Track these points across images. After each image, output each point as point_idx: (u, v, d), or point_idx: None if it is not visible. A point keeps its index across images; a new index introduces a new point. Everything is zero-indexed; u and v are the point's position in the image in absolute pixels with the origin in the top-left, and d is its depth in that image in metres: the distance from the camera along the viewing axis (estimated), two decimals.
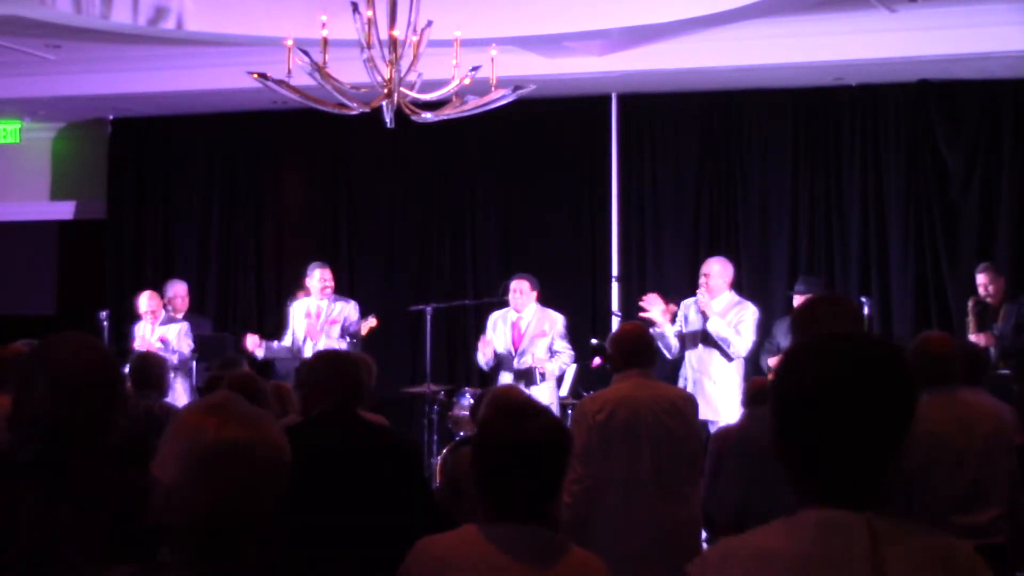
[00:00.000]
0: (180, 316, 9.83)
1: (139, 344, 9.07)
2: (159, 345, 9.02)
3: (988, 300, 8.81)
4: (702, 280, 8.30)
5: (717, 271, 8.29)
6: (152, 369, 6.17)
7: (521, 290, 8.61)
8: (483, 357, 8.66)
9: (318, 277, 9.21)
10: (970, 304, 8.94)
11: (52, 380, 2.53)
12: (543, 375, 8.47)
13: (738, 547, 1.87)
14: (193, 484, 1.91)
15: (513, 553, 2.63)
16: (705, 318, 8.12)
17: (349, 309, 9.24)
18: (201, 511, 1.91)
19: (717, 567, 1.86)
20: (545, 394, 8.36)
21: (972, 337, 8.54)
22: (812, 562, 1.79)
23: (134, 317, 9.59)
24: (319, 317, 9.12)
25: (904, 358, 1.89)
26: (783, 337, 8.72)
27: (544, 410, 2.89)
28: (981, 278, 8.84)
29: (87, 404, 2.54)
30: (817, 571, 1.78)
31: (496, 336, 8.65)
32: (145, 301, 9.42)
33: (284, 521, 3.98)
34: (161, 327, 9.33)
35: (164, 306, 9.64)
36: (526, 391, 7.83)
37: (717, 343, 8.04)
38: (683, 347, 8.24)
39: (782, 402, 1.88)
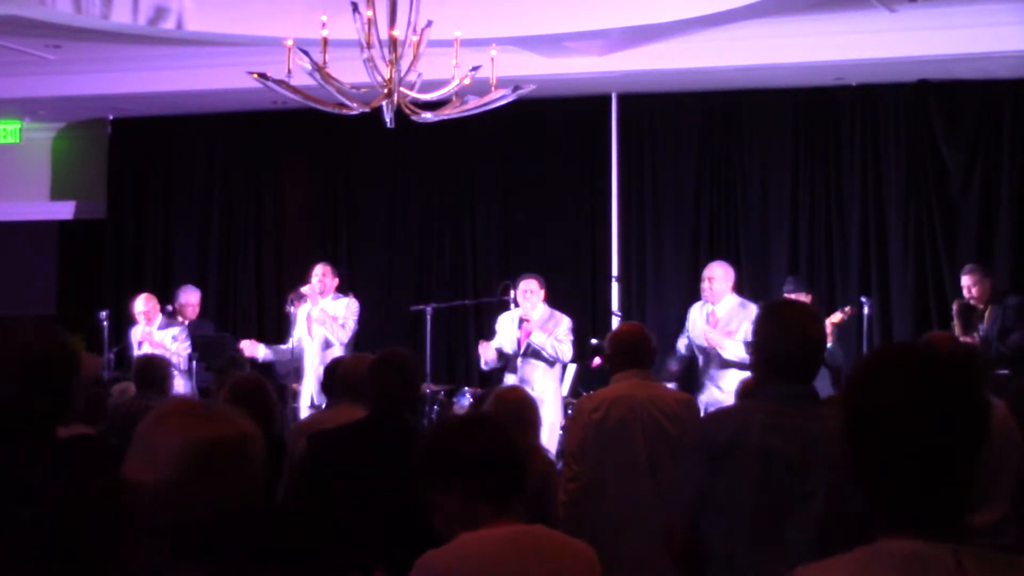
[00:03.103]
0: (185, 322, 9.78)
1: (141, 349, 9.05)
2: (160, 350, 8.96)
3: (972, 302, 8.76)
4: (705, 284, 8.28)
5: (720, 275, 8.26)
6: (155, 371, 6.32)
7: (531, 289, 8.59)
8: (483, 359, 8.70)
9: (313, 274, 9.19)
10: (954, 307, 8.91)
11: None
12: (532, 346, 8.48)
13: None
14: (189, 483, 1.91)
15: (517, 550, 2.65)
16: (710, 322, 8.12)
17: (338, 304, 9.14)
18: (198, 509, 1.90)
19: None
20: (547, 382, 8.37)
21: None
22: None
23: (132, 320, 9.58)
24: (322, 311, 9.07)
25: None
26: None
27: (496, 424, 2.84)
28: (966, 280, 8.78)
29: (47, 389, 2.46)
30: None
31: (504, 335, 8.65)
32: (141, 303, 9.41)
33: (346, 517, 4.04)
34: (160, 331, 9.28)
35: (163, 309, 9.57)
36: (528, 387, 7.87)
37: (719, 351, 8.04)
38: (693, 352, 8.26)
39: (864, 423, 1.72)
